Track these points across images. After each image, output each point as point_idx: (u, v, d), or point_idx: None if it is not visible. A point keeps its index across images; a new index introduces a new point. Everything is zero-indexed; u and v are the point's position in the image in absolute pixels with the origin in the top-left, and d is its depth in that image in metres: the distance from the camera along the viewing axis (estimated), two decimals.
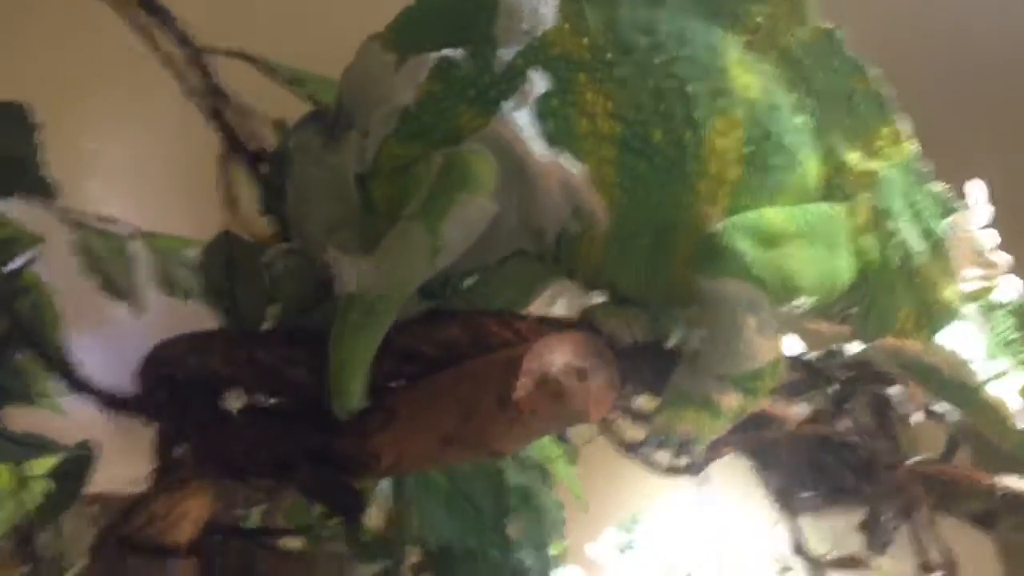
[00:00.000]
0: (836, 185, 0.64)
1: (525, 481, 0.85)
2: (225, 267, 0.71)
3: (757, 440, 0.60)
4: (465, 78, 0.61)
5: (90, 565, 0.63)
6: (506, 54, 0.60)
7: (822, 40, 0.63)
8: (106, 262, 1.08)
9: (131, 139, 1.74)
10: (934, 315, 0.65)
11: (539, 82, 0.59)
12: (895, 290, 0.64)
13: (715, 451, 0.58)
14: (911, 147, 0.65)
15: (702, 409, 0.59)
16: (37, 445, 1.09)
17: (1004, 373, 0.65)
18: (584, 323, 0.61)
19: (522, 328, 0.59)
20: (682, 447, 0.58)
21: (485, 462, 0.76)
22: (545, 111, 0.60)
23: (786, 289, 0.59)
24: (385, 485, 0.82)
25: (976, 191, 0.65)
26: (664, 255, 0.61)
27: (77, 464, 1.15)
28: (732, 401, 0.59)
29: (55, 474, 1.15)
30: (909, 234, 0.65)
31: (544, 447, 0.87)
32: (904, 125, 0.65)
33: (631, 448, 0.58)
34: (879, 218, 0.64)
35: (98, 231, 1.06)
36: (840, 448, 0.61)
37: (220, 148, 0.73)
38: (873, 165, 0.64)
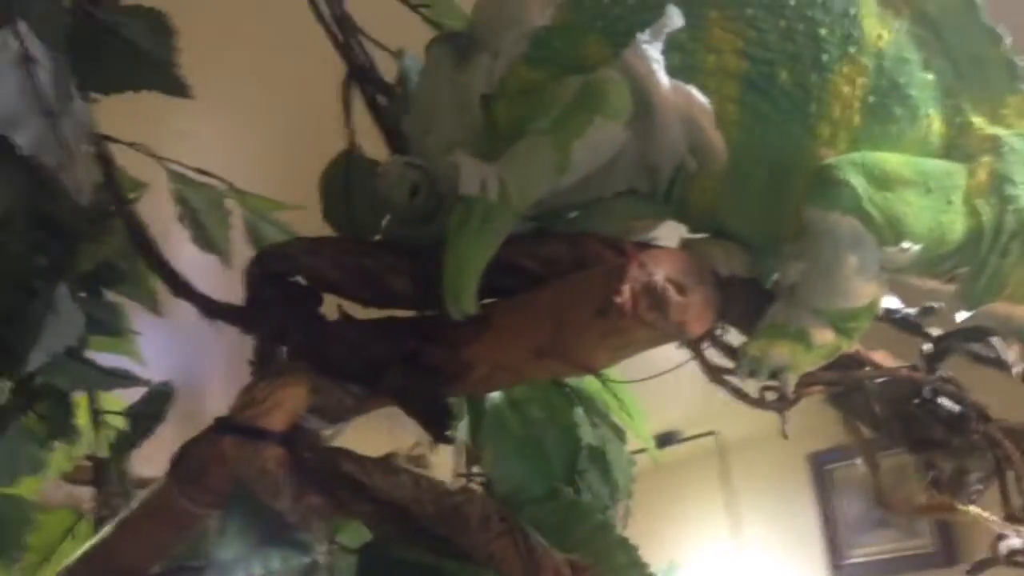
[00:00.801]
0: (957, 145, 0.64)
1: (597, 436, 0.86)
2: (344, 183, 0.74)
3: (847, 380, 0.61)
4: (596, 7, 0.63)
5: (191, 443, 0.65)
6: None
7: (960, 4, 0.64)
8: (202, 214, 1.12)
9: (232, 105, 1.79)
10: None
11: (676, 17, 0.60)
12: (1009, 254, 0.64)
13: (804, 387, 0.59)
14: None
15: (796, 341, 0.59)
16: (121, 376, 1.14)
17: None
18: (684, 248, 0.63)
19: (627, 248, 0.60)
20: (772, 378, 0.59)
21: (566, 393, 0.77)
22: (672, 45, 0.61)
23: (893, 231, 0.59)
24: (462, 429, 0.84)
25: None
26: (779, 196, 0.62)
27: (157, 400, 1.19)
28: (826, 337, 0.59)
29: (133, 410, 1.19)
30: None
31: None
32: None
33: (720, 376, 0.59)
34: (998, 182, 0.64)
35: (196, 183, 1.10)
36: (930, 401, 0.61)
37: (344, 73, 0.76)
38: (997, 130, 0.65)
